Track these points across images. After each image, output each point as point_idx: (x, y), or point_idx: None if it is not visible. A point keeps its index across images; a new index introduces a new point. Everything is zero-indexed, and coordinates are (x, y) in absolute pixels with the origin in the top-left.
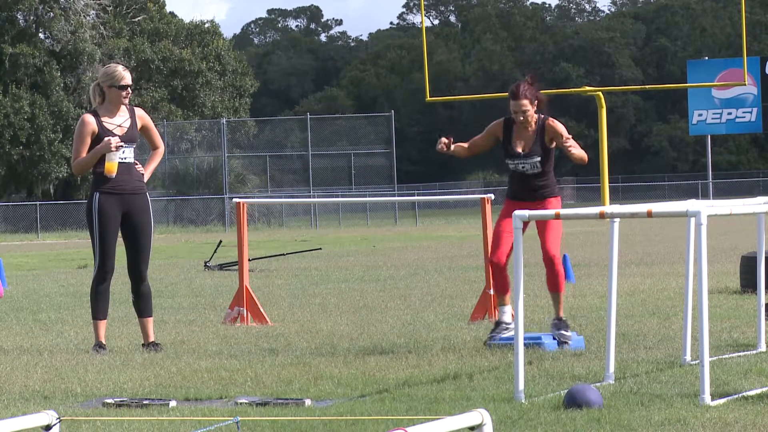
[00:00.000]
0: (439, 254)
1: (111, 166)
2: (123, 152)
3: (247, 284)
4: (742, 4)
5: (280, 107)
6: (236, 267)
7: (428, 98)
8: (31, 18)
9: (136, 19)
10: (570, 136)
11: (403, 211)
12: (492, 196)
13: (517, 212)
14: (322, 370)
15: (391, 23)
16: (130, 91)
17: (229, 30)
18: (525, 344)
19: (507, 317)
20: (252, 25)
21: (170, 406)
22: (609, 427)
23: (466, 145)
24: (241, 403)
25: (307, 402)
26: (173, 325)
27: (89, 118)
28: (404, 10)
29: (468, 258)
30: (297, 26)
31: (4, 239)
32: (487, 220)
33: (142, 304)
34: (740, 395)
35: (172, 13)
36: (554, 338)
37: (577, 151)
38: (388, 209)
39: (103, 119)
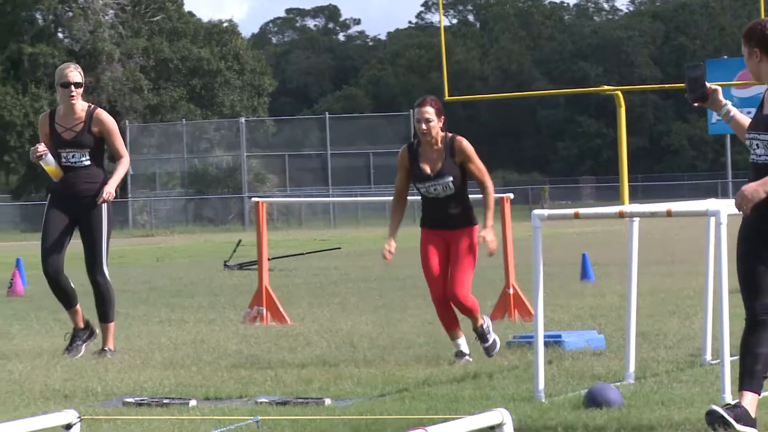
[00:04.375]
0: None
1: (49, 170)
2: (73, 156)
3: (267, 283)
4: (760, 3)
5: (299, 107)
6: (256, 266)
7: (447, 97)
8: (50, 18)
9: (155, 19)
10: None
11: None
12: (511, 195)
13: (537, 212)
14: (342, 370)
15: (410, 22)
16: (76, 91)
17: (248, 29)
18: (544, 343)
19: (465, 347)
20: (270, 25)
21: (190, 406)
22: (629, 426)
23: (398, 215)
24: (261, 403)
25: (327, 401)
26: (193, 325)
27: (42, 119)
28: (423, 9)
29: (487, 257)
30: (315, 26)
31: (24, 238)
32: (506, 219)
33: (98, 306)
34: (761, 395)
35: (190, 13)
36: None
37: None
38: (407, 208)
39: (57, 120)
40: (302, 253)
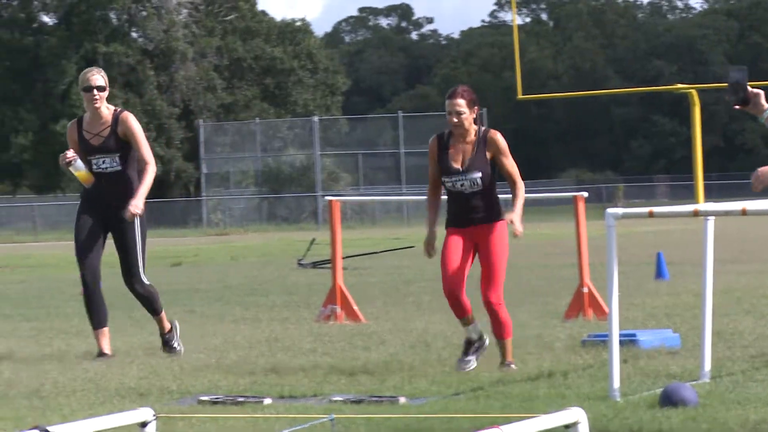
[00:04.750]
0: (531, 252)
1: (80, 176)
2: (103, 161)
3: (341, 282)
4: None
5: (372, 105)
6: (329, 265)
7: (520, 96)
8: (124, 17)
9: (228, 18)
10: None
11: None
12: (585, 194)
13: (611, 210)
14: (417, 368)
15: (483, 21)
16: (100, 95)
17: (321, 28)
18: (619, 342)
19: (475, 334)
20: (343, 24)
21: (265, 404)
22: (705, 426)
23: (435, 208)
24: (335, 401)
25: (402, 400)
26: (267, 323)
27: (71, 127)
28: (496, 7)
29: (561, 256)
30: (388, 24)
31: None
32: (580, 218)
33: (146, 307)
34: None
35: (263, 12)
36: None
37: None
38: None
39: (84, 127)
40: (376, 252)
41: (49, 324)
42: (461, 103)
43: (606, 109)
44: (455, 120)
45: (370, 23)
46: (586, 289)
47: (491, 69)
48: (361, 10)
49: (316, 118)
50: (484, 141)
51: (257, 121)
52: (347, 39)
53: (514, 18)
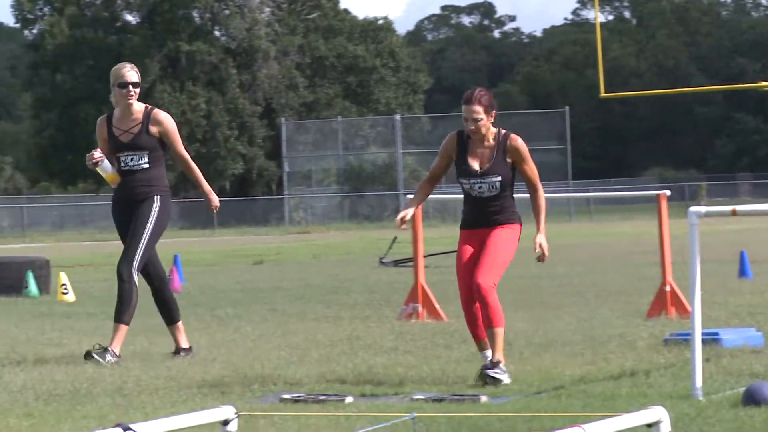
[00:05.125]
0: (614, 250)
1: (108, 178)
2: (131, 159)
3: (423, 280)
4: None
5: (454, 104)
6: (411, 263)
7: (603, 94)
8: (207, 16)
9: (311, 16)
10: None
11: (577, 207)
12: (668, 192)
13: (693, 209)
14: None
15: (565, 19)
16: (134, 91)
17: (403, 26)
18: (702, 341)
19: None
20: (425, 22)
21: (346, 402)
22: None
23: (422, 195)
24: (416, 399)
25: (483, 398)
26: (349, 321)
27: (100, 123)
28: (578, 5)
29: (644, 255)
30: (470, 22)
31: (181, 235)
32: (663, 217)
33: (117, 306)
34: None
35: (346, 10)
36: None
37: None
38: (563, 205)
39: (114, 123)
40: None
41: (131, 322)
42: (478, 110)
43: (689, 107)
44: (472, 127)
45: (453, 21)
46: (668, 288)
47: (574, 67)
48: (444, 8)
49: (398, 117)
50: (504, 145)
51: (339, 120)
52: (429, 37)
53: (597, 15)
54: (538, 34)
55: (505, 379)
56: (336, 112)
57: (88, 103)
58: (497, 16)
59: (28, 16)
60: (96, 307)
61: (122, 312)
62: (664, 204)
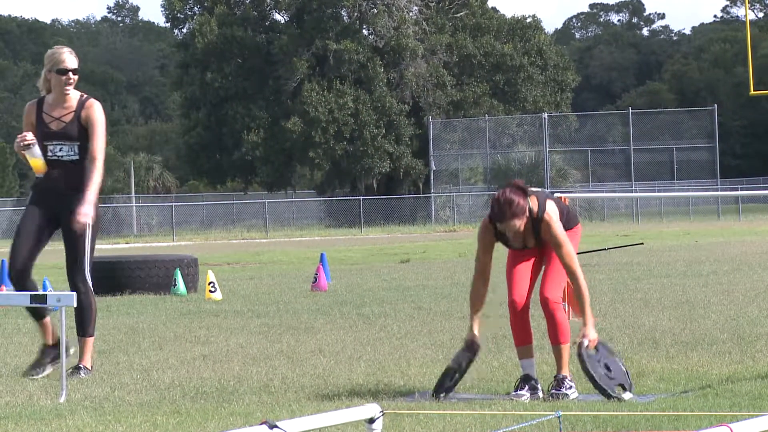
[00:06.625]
0: (762, 249)
1: (33, 163)
2: (60, 149)
3: (568, 278)
4: None
5: (602, 102)
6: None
7: (752, 92)
8: (355, 14)
9: (459, 15)
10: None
11: (725, 206)
12: None
13: None
14: (645, 365)
15: (715, 16)
16: (74, 78)
17: (551, 25)
18: None
19: (533, 372)
20: (574, 20)
21: (492, 400)
22: None
23: (479, 303)
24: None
25: (628, 396)
26: (494, 320)
27: (29, 107)
28: (728, 3)
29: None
30: (619, 20)
31: (328, 234)
32: None
33: (76, 316)
34: None
35: (494, 9)
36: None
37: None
38: (711, 204)
39: (45, 109)
40: (605, 249)
41: (278, 320)
42: (517, 223)
43: None
44: (513, 237)
45: (601, 19)
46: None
47: (722, 65)
48: (592, 6)
49: (545, 115)
50: (538, 228)
51: (486, 118)
52: (577, 35)
53: (747, 13)
54: (687, 32)
55: (572, 394)
56: (483, 111)
57: (236, 102)
58: (646, 13)
59: (179, 15)
60: (243, 305)
61: (86, 324)
62: None
